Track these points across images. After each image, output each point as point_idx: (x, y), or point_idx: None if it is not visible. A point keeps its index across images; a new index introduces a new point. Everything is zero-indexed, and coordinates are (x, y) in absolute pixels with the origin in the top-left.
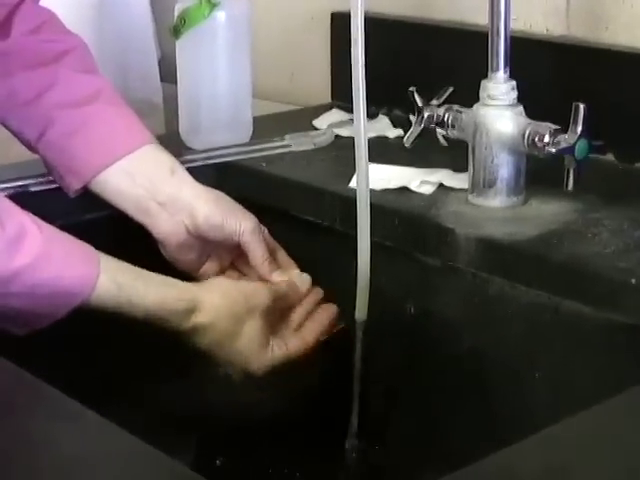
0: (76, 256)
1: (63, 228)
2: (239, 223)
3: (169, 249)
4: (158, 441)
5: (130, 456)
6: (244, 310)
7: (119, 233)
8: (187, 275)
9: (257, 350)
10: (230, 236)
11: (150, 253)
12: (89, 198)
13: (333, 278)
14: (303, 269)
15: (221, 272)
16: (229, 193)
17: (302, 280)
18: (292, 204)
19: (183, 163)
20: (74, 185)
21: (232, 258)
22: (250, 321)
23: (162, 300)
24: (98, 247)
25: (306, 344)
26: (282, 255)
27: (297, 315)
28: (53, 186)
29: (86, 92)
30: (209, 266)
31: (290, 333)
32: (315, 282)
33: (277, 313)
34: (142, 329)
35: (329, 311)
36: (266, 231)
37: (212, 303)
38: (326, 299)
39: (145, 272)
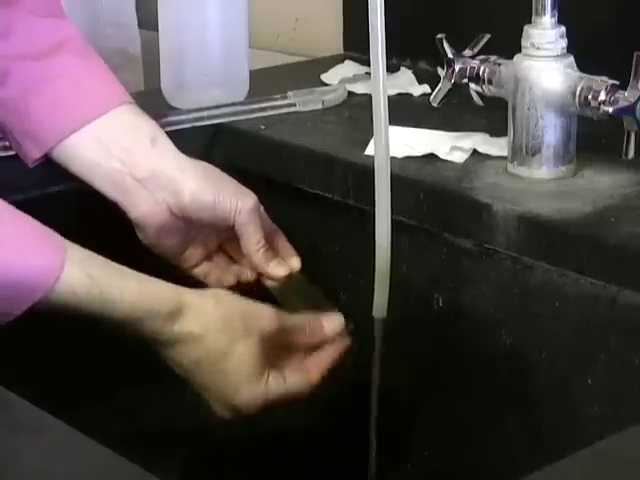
0: (35, 241)
1: (21, 203)
2: (234, 201)
3: (148, 232)
4: (138, 456)
5: (105, 473)
6: (241, 327)
7: (89, 210)
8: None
9: (249, 378)
10: (223, 217)
11: (126, 234)
12: (53, 167)
13: (345, 265)
14: (308, 254)
15: (207, 257)
16: (221, 161)
17: (332, 322)
18: (296, 175)
19: (166, 125)
20: (33, 153)
21: (220, 241)
22: (246, 341)
23: (141, 296)
24: (64, 226)
25: (309, 381)
26: (281, 241)
27: (307, 359)
28: (9, 153)
29: (49, 40)
30: (193, 251)
31: (291, 369)
32: (323, 270)
33: (283, 347)
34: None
35: (341, 344)
36: (262, 209)
37: (203, 310)
38: (338, 291)
39: (120, 266)
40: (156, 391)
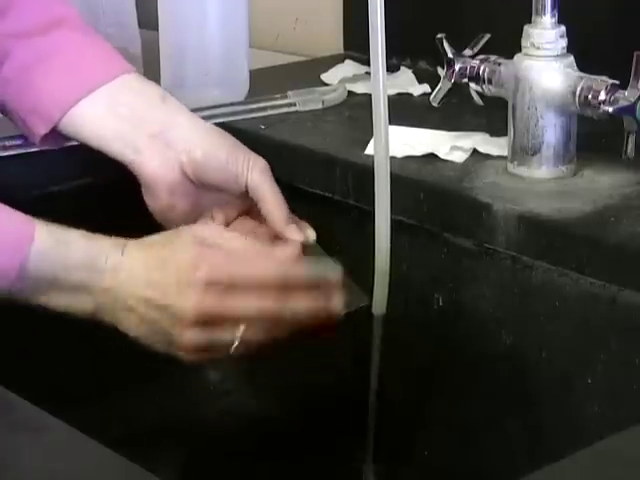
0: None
1: (21, 203)
2: (247, 161)
3: (158, 194)
4: (138, 456)
5: (104, 472)
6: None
7: (89, 209)
8: None
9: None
10: (234, 177)
11: (128, 233)
12: (53, 167)
13: (345, 263)
14: None
15: None
16: None
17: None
18: (296, 174)
19: None
20: (39, 129)
21: (229, 219)
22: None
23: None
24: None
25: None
26: (295, 216)
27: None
28: (9, 153)
29: (46, 17)
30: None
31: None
32: None
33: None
34: None
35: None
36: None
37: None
38: None
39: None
40: (156, 391)
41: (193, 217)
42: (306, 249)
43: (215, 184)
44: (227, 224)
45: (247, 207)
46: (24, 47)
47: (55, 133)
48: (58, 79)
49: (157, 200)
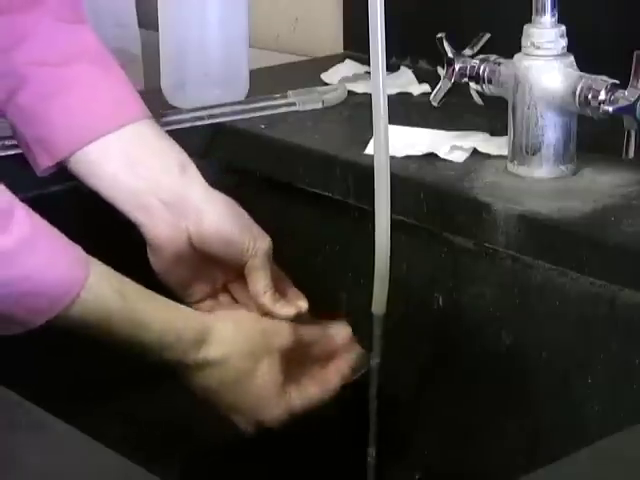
0: (62, 254)
1: (25, 201)
2: (253, 241)
3: (162, 258)
4: (138, 456)
5: (105, 472)
6: (262, 346)
7: (89, 210)
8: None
9: (273, 395)
10: (238, 254)
11: (126, 234)
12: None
13: (345, 263)
14: (308, 253)
15: (212, 295)
16: (221, 161)
17: (339, 331)
18: (296, 174)
19: (166, 124)
20: (44, 161)
21: (225, 280)
22: (268, 361)
23: (171, 321)
24: (64, 226)
25: (330, 389)
26: (288, 285)
27: (325, 367)
28: (9, 153)
29: (68, 48)
30: (199, 287)
31: (310, 379)
32: (324, 268)
33: (300, 359)
34: None
35: (354, 351)
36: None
37: (226, 335)
38: (338, 290)
39: (145, 288)
40: (156, 391)
41: (190, 280)
42: (299, 318)
43: (219, 256)
44: (225, 285)
45: (239, 274)
46: (42, 76)
47: (57, 165)
48: (69, 117)
49: (160, 262)
